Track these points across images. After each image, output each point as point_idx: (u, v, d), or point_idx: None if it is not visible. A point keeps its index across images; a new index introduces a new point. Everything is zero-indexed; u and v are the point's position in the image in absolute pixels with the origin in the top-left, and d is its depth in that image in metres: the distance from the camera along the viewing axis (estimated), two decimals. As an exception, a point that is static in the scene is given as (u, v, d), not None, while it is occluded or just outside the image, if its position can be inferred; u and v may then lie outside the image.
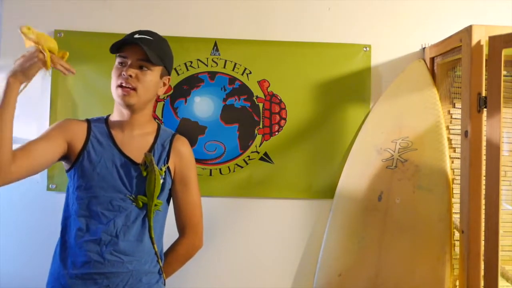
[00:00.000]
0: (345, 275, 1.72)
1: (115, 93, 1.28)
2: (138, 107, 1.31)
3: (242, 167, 1.87)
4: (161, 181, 1.31)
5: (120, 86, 1.26)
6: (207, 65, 1.87)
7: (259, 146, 1.87)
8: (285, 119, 1.87)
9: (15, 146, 1.19)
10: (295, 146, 1.87)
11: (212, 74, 1.87)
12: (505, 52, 1.41)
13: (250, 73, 1.87)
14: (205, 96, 1.86)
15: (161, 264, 1.34)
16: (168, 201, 1.39)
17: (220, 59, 1.87)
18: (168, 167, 1.34)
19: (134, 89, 1.27)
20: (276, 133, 1.87)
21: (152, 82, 1.30)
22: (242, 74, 1.87)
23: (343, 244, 1.76)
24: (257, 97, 1.87)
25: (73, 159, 1.28)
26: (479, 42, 1.47)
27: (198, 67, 1.87)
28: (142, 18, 1.86)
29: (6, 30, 1.84)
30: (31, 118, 1.84)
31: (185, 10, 1.88)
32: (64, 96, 1.83)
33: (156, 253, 1.33)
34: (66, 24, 1.84)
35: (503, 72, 1.42)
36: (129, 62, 1.27)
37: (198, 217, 1.41)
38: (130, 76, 1.25)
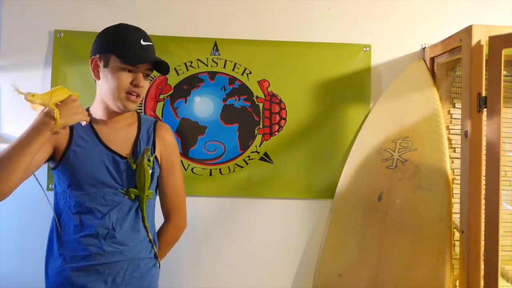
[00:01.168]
0: (345, 275, 1.72)
1: (121, 98, 1.28)
2: None
3: (242, 167, 1.87)
4: (150, 172, 1.33)
5: (130, 93, 1.29)
6: (207, 65, 1.87)
7: (259, 146, 1.87)
8: (285, 119, 1.87)
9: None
10: (295, 146, 1.87)
11: (212, 74, 1.87)
12: (505, 52, 1.41)
13: (250, 73, 1.87)
14: (205, 96, 1.86)
15: (155, 249, 1.39)
16: (156, 189, 1.42)
17: (220, 59, 1.87)
18: (155, 156, 1.37)
19: (140, 96, 1.31)
20: (276, 133, 1.87)
21: (148, 86, 1.38)
22: (242, 74, 1.87)
23: (343, 244, 1.76)
24: (257, 97, 1.87)
25: (58, 158, 1.29)
26: (479, 42, 1.47)
27: (198, 67, 1.87)
28: (142, 18, 1.85)
29: (6, 30, 1.84)
30: (31, 118, 1.83)
31: (185, 10, 1.88)
32: (64, 96, 1.82)
33: (150, 240, 1.37)
34: (66, 24, 1.84)
35: (503, 72, 1.42)
36: (138, 71, 1.29)
37: (182, 200, 1.46)
38: (142, 86, 1.30)
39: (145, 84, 1.31)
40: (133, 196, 1.31)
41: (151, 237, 1.37)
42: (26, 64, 1.84)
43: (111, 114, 1.34)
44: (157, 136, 1.39)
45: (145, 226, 1.35)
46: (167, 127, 1.45)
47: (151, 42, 1.32)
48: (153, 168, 1.35)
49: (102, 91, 1.32)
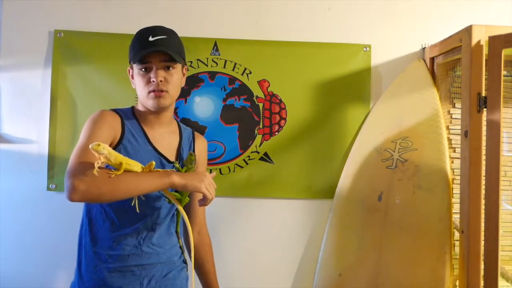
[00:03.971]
0: (345, 275, 1.72)
1: (147, 99, 1.29)
2: (170, 106, 1.34)
3: (242, 167, 1.87)
4: None
5: (152, 91, 1.28)
6: (207, 65, 1.87)
7: (259, 146, 1.87)
8: (285, 119, 1.87)
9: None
10: (295, 146, 1.87)
11: (212, 74, 1.87)
12: (505, 52, 1.41)
13: (250, 73, 1.87)
14: (205, 96, 1.86)
15: (185, 255, 1.42)
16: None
17: (220, 59, 1.87)
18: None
19: (167, 91, 1.29)
20: (276, 133, 1.87)
21: (178, 79, 1.34)
22: (242, 74, 1.87)
23: (343, 244, 1.76)
24: (257, 97, 1.87)
25: None
26: (479, 42, 1.47)
27: (198, 67, 1.87)
28: (142, 18, 1.85)
29: (6, 30, 1.84)
30: (31, 118, 1.84)
31: (185, 10, 1.88)
32: (64, 96, 1.83)
33: (181, 246, 1.41)
34: (66, 24, 1.84)
35: (503, 72, 1.42)
36: (154, 67, 1.27)
37: (204, 216, 1.55)
38: (161, 81, 1.27)
39: (167, 77, 1.28)
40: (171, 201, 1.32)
41: (181, 243, 1.41)
42: (26, 64, 1.84)
43: (154, 116, 1.34)
44: (196, 145, 1.44)
45: (176, 232, 1.38)
46: (203, 138, 1.51)
47: (164, 35, 1.29)
48: None
49: (138, 96, 1.34)
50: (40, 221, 1.83)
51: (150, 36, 1.28)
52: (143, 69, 1.28)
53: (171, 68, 1.29)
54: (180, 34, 1.84)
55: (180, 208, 1.29)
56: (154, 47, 1.26)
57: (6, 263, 1.83)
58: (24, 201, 1.83)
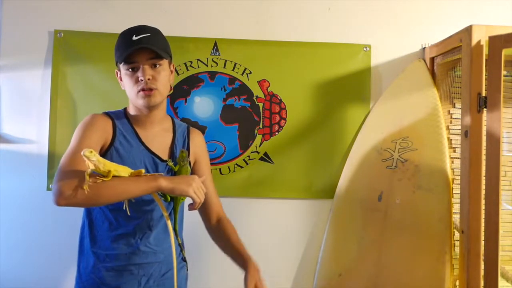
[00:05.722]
0: (345, 275, 1.72)
1: (137, 98, 1.28)
2: (160, 103, 1.33)
3: (242, 167, 1.87)
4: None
5: (142, 90, 1.27)
6: (207, 65, 1.87)
7: (259, 146, 1.87)
8: (285, 119, 1.87)
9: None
10: (295, 146, 1.87)
11: (212, 74, 1.87)
12: (505, 52, 1.41)
13: (250, 73, 1.87)
14: (205, 96, 1.87)
15: (184, 253, 1.41)
16: None
17: (220, 59, 1.87)
18: (189, 161, 1.38)
19: (156, 88, 1.28)
20: (276, 133, 1.87)
21: (166, 76, 1.32)
22: (242, 74, 1.87)
23: (343, 244, 1.76)
24: (257, 97, 1.87)
25: (101, 155, 1.27)
26: (479, 42, 1.47)
27: (198, 67, 1.87)
28: (142, 18, 1.84)
29: (6, 30, 1.84)
30: (31, 118, 1.84)
31: (185, 10, 1.88)
32: (64, 96, 1.83)
33: (180, 244, 1.40)
34: (66, 24, 1.85)
35: (503, 72, 1.42)
36: (141, 66, 1.26)
37: (219, 200, 1.48)
38: (149, 79, 1.26)
39: (155, 75, 1.27)
40: (168, 198, 1.32)
41: (180, 240, 1.40)
42: (26, 64, 1.84)
43: (145, 116, 1.33)
44: (191, 141, 1.42)
45: (175, 230, 1.36)
46: (199, 133, 1.48)
47: (147, 33, 1.28)
48: (190, 173, 1.36)
49: (128, 96, 1.33)
50: (40, 221, 1.84)
51: (134, 35, 1.27)
52: (130, 69, 1.27)
53: (158, 65, 1.28)
54: (180, 34, 1.87)
55: (166, 215, 1.27)
56: (138, 45, 1.26)
57: (6, 263, 1.83)
58: (24, 201, 1.84)
